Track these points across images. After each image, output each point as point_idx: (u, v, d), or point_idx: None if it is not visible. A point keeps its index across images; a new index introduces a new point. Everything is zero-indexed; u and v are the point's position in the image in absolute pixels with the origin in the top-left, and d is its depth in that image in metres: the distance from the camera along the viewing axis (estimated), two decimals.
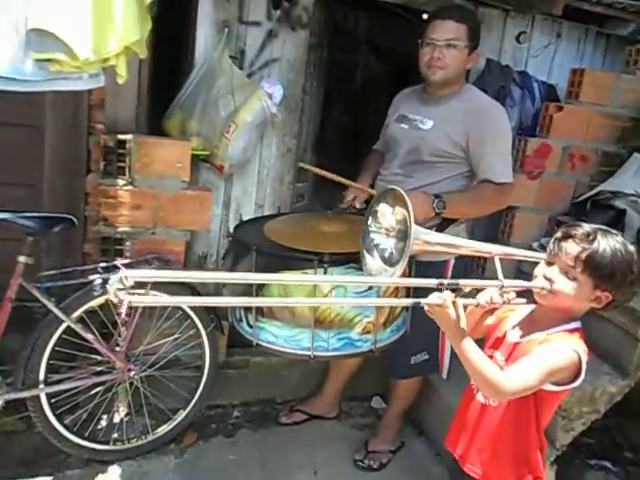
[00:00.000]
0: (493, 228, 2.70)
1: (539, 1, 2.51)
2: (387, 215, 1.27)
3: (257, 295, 1.71)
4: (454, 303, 1.13)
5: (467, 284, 1.15)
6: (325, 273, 1.62)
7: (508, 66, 2.62)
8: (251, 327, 1.78)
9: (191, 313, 2.14)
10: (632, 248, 1.23)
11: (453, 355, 2.29)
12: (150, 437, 2.16)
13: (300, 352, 1.71)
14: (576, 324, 1.27)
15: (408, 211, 1.16)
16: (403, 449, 2.36)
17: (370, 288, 1.70)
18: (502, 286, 1.19)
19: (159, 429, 2.18)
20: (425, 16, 2.13)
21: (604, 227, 1.27)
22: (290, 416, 2.46)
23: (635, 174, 2.40)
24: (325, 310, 1.67)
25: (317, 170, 2.04)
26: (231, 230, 2.49)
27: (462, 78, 2.06)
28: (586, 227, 1.24)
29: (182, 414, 2.21)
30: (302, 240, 1.67)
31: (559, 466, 2.03)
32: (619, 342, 2.13)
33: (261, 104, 2.27)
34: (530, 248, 2.56)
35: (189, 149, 2.17)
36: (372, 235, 1.31)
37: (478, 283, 1.18)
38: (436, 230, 1.99)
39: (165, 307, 2.11)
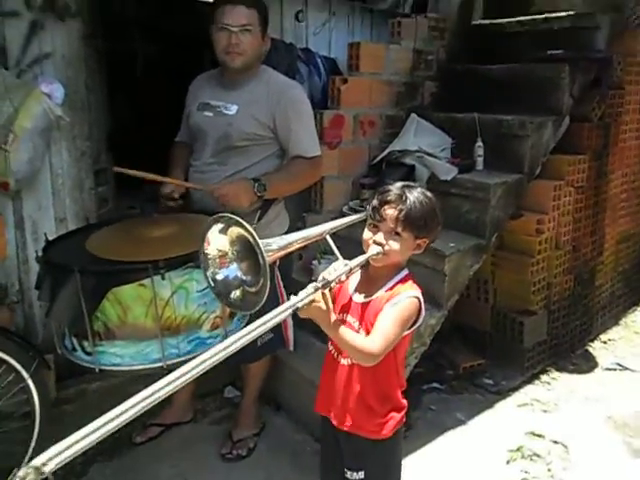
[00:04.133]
0: (304, 201, 2.84)
1: None
2: (225, 244, 1.25)
3: (90, 319, 1.54)
4: (323, 295, 1.22)
5: (334, 278, 1.24)
6: (163, 279, 1.53)
7: (292, 44, 2.73)
8: (89, 354, 1.61)
9: (5, 357, 1.86)
10: (430, 193, 1.43)
11: (296, 326, 2.39)
12: None
13: (151, 365, 1.60)
14: (405, 272, 1.44)
15: (245, 228, 1.16)
16: (265, 428, 2.40)
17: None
18: (351, 268, 1.29)
19: None
20: None
21: (405, 182, 1.44)
22: (144, 434, 2.32)
23: (415, 133, 2.73)
24: (170, 316, 1.58)
25: (132, 172, 1.88)
26: (33, 253, 2.19)
27: (259, 61, 2.08)
28: (394, 190, 1.38)
29: None
30: (132, 250, 1.55)
31: None
32: (430, 280, 2.45)
33: (41, 107, 2.02)
34: (341, 212, 2.78)
35: None
36: (219, 275, 1.28)
37: (339, 273, 1.27)
38: (260, 213, 2.02)
39: None
